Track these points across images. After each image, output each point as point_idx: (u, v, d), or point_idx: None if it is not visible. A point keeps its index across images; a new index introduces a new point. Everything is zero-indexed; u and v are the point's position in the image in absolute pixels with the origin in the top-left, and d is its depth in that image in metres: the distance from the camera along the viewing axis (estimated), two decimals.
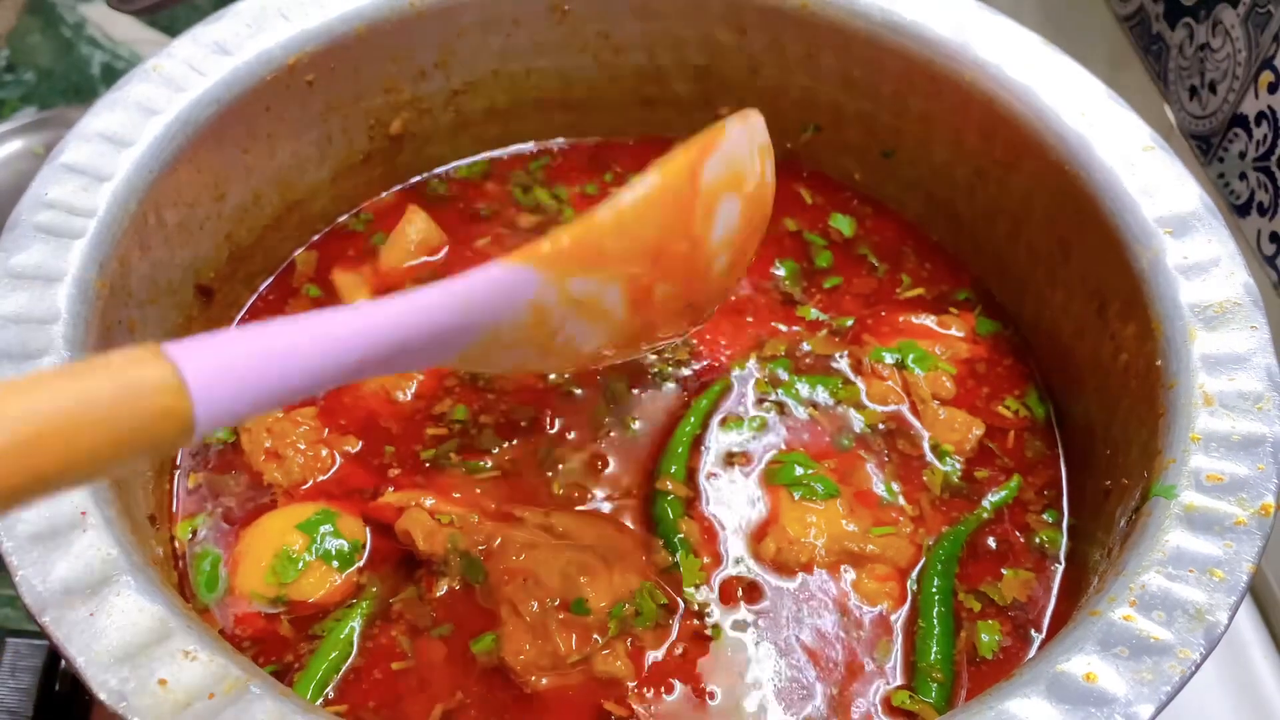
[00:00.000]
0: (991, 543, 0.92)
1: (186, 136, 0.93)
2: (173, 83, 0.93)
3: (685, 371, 1.01)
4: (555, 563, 0.84)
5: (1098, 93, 0.97)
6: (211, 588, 0.86)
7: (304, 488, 0.92)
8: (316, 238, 1.11)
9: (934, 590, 0.87)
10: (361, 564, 0.87)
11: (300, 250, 1.10)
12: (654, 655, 0.83)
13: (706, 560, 0.88)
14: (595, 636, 0.82)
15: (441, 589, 0.85)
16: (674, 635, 0.84)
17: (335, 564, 0.86)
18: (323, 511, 0.88)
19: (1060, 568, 0.91)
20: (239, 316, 1.05)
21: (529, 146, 1.22)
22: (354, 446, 0.95)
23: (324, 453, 0.93)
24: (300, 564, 0.85)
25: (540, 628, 0.82)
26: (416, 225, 1.10)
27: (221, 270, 1.02)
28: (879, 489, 0.93)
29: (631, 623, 0.83)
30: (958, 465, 0.96)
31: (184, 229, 0.96)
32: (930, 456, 0.96)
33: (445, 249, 1.11)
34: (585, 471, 0.93)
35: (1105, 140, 0.93)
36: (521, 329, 0.64)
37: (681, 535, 0.88)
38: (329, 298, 1.07)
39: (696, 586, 0.87)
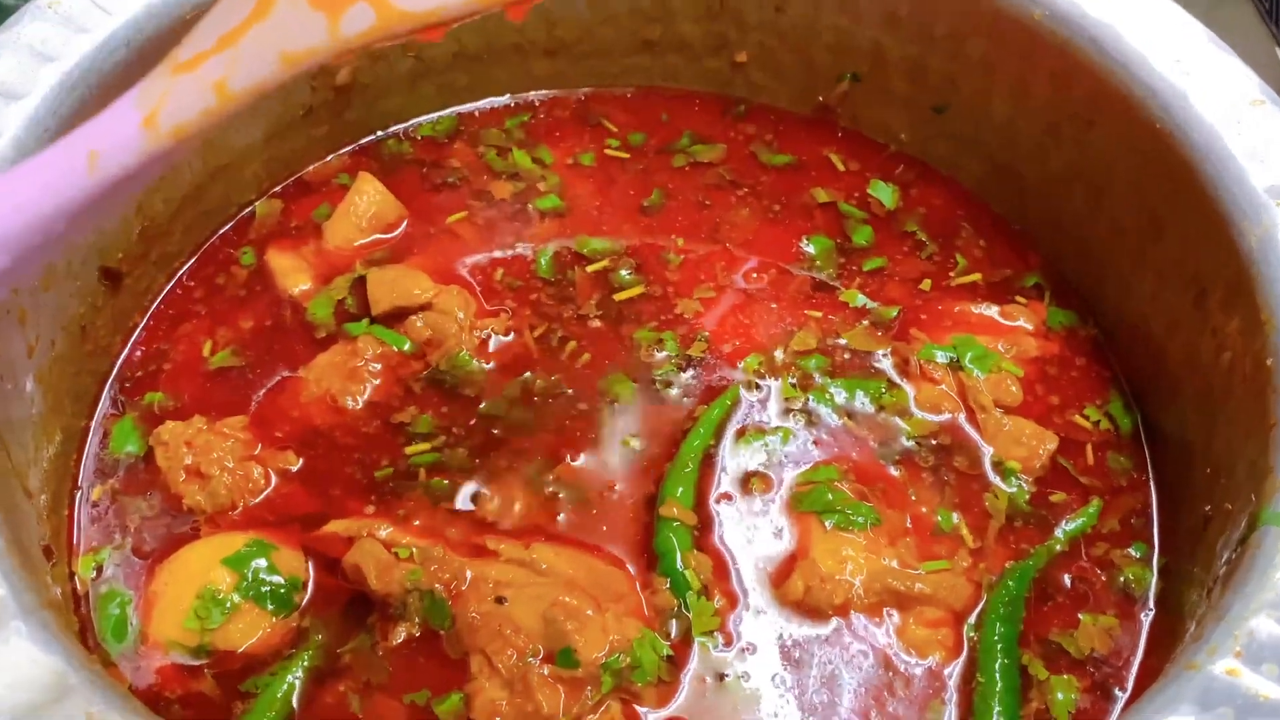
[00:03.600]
0: (1066, 581, 0.91)
1: (89, 87, 0.92)
2: (73, 22, 0.93)
3: (695, 373, 1.01)
4: (537, 605, 0.84)
5: (1196, 35, 0.97)
6: (120, 635, 0.86)
7: (232, 514, 0.92)
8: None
9: (996, 639, 0.86)
10: (302, 606, 0.87)
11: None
12: (656, 717, 0.83)
13: (720, 602, 0.88)
14: (586, 693, 0.82)
15: (399, 636, 0.85)
16: (681, 693, 0.84)
17: (270, 606, 0.86)
18: (255, 543, 0.88)
19: (1150, 612, 0.90)
20: (154, 306, 1.05)
21: (504, 100, 1.21)
22: (293, 464, 0.95)
23: (256, 472, 0.93)
24: (227, 606, 0.85)
25: (519, 683, 0.81)
26: (368, 195, 1.10)
27: (131, 250, 1.01)
28: (930, 516, 0.93)
29: (629, 677, 0.83)
30: (1025, 487, 0.95)
31: None
32: (992, 476, 0.96)
33: (404, 224, 1.11)
34: (573, 494, 0.93)
35: (1204, 93, 0.93)
36: None
37: (689, 572, 0.88)
38: (262, 276, 1.08)
39: (708, 634, 0.86)
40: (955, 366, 1.00)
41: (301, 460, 0.95)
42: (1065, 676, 0.87)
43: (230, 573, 0.86)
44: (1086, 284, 1.08)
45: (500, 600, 0.84)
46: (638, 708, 0.83)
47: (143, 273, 1.03)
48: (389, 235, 1.10)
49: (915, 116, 1.15)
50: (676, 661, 0.85)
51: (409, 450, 0.95)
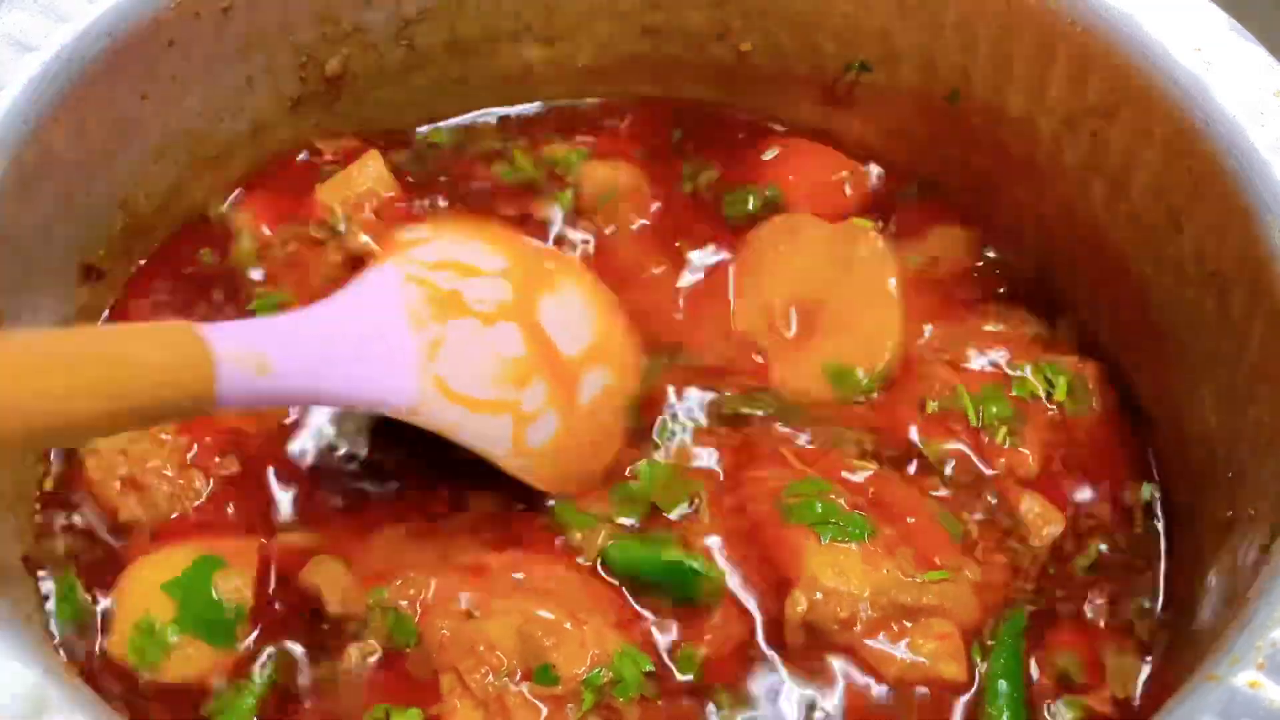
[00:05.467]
0: (1082, 587, 0.92)
1: (70, 78, 0.92)
2: (54, 10, 0.93)
3: None
4: (511, 619, 0.83)
5: (1217, 22, 0.97)
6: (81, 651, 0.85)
7: (173, 520, 0.90)
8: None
9: (1002, 663, 0.87)
10: (250, 632, 0.86)
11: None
12: None
13: (716, 619, 0.87)
14: (568, 710, 0.81)
15: (360, 656, 0.84)
16: (669, 711, 0.84)
17: (210, 637, 0.84)
18: (201, 560, 0.85)
19: (1168, 622, 0.91)
20: (133, 303, 1.05)
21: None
22: (235, 469, 0.93)
23: (198, 480, 0.92)
24: (170, 638, 0.83)
25: (495, 703, 0.81)
26: (369, 172, 1.09)
27: (114, 247, 1.01)
28: (928, 525, 0.92)
29: (610, 693, 0.82)
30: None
31: (67, 195, 0.95)
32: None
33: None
34: (541, 498, 0.92)
35: (1227, 83, 0.93)
36: (415, 325, 0.85)
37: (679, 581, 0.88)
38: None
39: (693, 644, 0.86)
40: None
41: (244, 467, 0.93)
42: (1078, 698, 0.87)
43: (169, 600, 0.84)
44: (1103, 282, 1.08)
45: (471, 615, 0.84)
46: None
47: (125, 269, 1.04)
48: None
49: (926, 108, 1.15)
50: (662, 677, 0.84)
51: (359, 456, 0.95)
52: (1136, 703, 0.88)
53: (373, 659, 0.84)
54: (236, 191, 1.12)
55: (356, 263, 1.03)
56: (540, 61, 1.20)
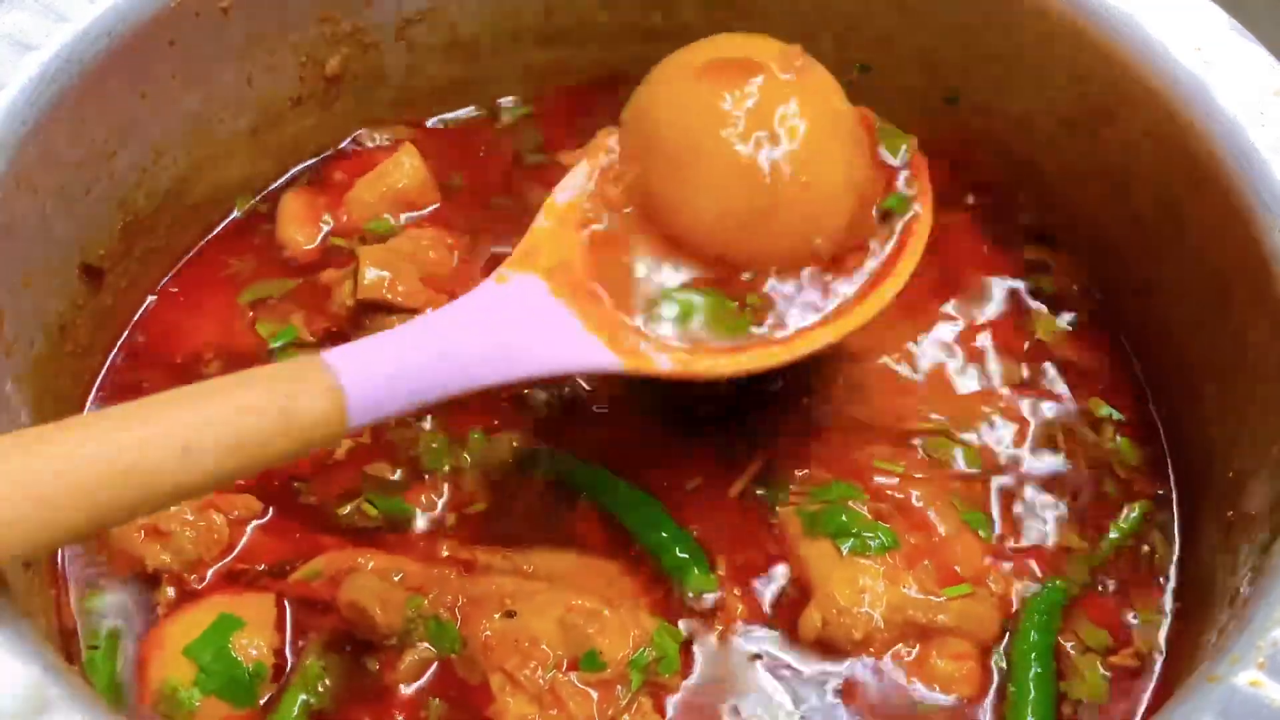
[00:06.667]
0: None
1: (70, 78, 0.92)
2: (53, 10, 0.93)
3: None
4: (550, 611, 0.84)
5: (1217, 22, 0.97)
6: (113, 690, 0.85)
7: (201, 572, 0.89)
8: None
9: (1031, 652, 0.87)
10: (267, 684, 0.85)
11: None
12: (674, 699, 0.84)
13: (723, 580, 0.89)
14: (618, 692, 0.82)
15: (409, 672, 0.84)
16: (697, 669, 0.86)
17: (235, 695, 0.84)
18: (221, 620, 0.85)
19: (1167, 620, 0.91)
20: (140, 305, 1.05)
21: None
22: (255, 509, 0.93)
23: (218, 520, 0.90)
24: (194, 702, 0.83)
25: (549, 695, 0.81)
26: (405, 168, 1.09)
27: (113, 247, 1.01)
28: (951, 533, 0.92)
29: (657, 670, 0.83)
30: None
31: (65, 195, 0.95)
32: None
33: (434, 206, 1.11)
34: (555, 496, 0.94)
35: (1227, 83, 0.93)
36: None
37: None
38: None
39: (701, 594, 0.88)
40: None
41: (262, 504, 0.93)
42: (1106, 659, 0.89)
43: (191, 664, 0.84)
44: (1104, 282, 1.08)
45: (510, 614, 0.84)
46: (664, 697, 0.84)
47: (125, 269, 1.04)
48: (416, 213, 1.11)
49: (927, 109, 1.15)
50: (693, 640, 0.87)
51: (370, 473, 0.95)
52: (1161, 654, 0.89)
53: (422, 670, 0.84)
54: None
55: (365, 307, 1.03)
56: (539, 62, 1.21)
